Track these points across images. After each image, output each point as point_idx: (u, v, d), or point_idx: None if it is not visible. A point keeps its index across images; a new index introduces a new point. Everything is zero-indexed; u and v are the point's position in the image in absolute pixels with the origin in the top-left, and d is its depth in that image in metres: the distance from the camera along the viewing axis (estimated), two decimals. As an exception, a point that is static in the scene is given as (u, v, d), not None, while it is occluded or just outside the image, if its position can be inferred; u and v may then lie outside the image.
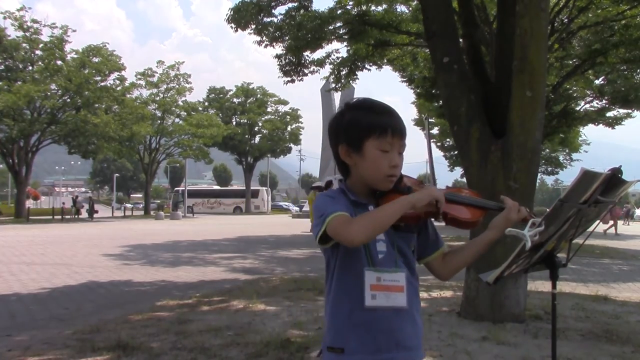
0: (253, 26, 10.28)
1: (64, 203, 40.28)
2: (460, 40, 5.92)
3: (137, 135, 35.78)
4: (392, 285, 1.46)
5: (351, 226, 1.38)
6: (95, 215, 34.86)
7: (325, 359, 1.50)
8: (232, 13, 10.08)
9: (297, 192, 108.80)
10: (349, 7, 10.72)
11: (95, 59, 33.36)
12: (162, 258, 11.55)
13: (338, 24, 10.70)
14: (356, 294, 1.45)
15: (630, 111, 19.33)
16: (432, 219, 1.56)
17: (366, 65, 12.49)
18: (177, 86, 41.90)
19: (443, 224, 1.57)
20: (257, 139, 56.23)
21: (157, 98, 41.29)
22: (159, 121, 41.65)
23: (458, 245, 1.71)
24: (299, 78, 11.86)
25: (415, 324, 1.51)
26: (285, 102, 56.94)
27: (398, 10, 11.81)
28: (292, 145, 58.45)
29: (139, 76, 40.47)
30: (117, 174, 75.36)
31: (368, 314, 1.44)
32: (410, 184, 1.55)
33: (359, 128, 1.49)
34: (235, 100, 55.82)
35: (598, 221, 1.98)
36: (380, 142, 1.48)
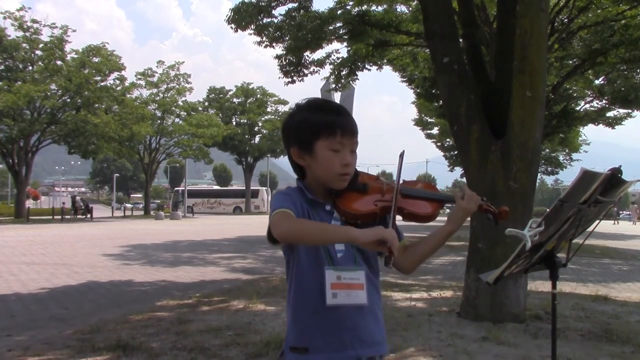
0: (253, 27, 10.28)
1: (64, 203, 40.22)
2: (460, 40, 5.92)
3: (137, 135, 35.73)
4: (352, 283, 1.46)
5: (283, 222, 1.39)
6: (91, 215, 34.87)
7: (289, 359, 1.48)
8: (232, 14, 10.09)
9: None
10: (349, 7, 10.71)
11: (95, 59, 33.31)
12: (162, 258, 11.55)
13: (338, 24, 10.69)
14: (317, 293, 1.44)
15: (630, 111, 19.35)
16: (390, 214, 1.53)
17: (366, 66, 12.48)
18: (177, 86, 41.85)
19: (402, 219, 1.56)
20: (257, 139, 56.22)
21: (157, 98, 41.23)
22: (159, 121, 41.60)
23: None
24: (299, 79, 11.85)
25: (377, 320, 1.52)
26: (285, 102, 56.89)
27: (398, 10, 11.81)
28: (292, 145, 58.39)
29: (139, 76, 40.46)
30: (117, 174, 75.37)
31: (330, 313, 1.44)
32: (367, 180, 1.56)
33: (308, 129, 1.50)
34: (235, 100, 55.79)
35: (598, 221, 1.98)
36: (330, 142, 1.49)
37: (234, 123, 54.00)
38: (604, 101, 18.48)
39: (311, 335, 1.45)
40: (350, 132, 1.51)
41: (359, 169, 1.59)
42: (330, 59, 12.21)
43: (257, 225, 27.91)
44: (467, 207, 1.53)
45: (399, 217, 1.54)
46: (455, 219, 1.54)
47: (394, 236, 1.32)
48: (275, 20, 10.52)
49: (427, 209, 1.53)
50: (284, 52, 11.16)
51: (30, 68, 33.09)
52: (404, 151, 1.59)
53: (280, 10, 10.44)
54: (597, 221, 1.97)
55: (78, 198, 40.52)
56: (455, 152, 25.57)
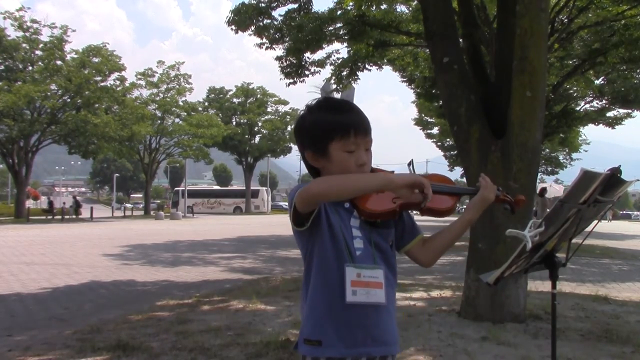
0: (253, 28, 10.28)
1: (64, 203, 40.23)
2: (460, 40, 5.92)
3: (137, 135, 35.71)
4: (371, 282, 1.47)
5: (314, 184, 1.38)
6: (53, 214, 34.91)
7: (302, 351, 1.49)
8: (232, 15, 10.08)
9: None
10: (349, 8, 10.71)
11: (95, 59, 33.31)
12: (162, 258, 11.55)
13: (338, 25, 10.69)
14: (337, 289, 1.45)
15: (630, 111, 19.38)
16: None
17: (366, 66, 12.48)
18: (177, 86, 41.84)
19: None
20: (257, 139, 56.20)
21: (157, 98, 41.23)
22: (159, 121, 41.60)
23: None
24: (301, 80, 11.85)
25: (392, 320, 1.53)
26: (285, 102, 56.89)
27: (398, 10, 11.80)
28: (292, 145, 58.38)
29: (139, 76, 40.47)
30: (117, 174, 75.37)
31: (348, 309, 1.45)
32: None
33: (321, 132, 1.49)
34: (235, 100, 55.76)
35: (596, 221, 1.98)
36: (344, 143, 1.47)
37: (234, 123, 53.98)
38: (604, 101, 18.50)
39: (326, 330, 1.46)
40: (363, 131, 1.49)
41: None
42: (330, 59, 12.22)
43: (257, 225, 27.90)
44: (488, 196, 1.55)
45: (415, 213, 1.56)
46: (474, 208, 1.56)
47: (427, 181, 1.38)
48: (275, 22, 10.52)
49: (445, 203, 1.53)
50: (285, 53, 11.17)
51: (30, 68, 33.09)
52: (412, 160, 1.60)
53: (280, 11, 10.45)
54: (596, 221, 1.97)
55: (77, 198, 40.48)
56: (455, 152, 25.57)
